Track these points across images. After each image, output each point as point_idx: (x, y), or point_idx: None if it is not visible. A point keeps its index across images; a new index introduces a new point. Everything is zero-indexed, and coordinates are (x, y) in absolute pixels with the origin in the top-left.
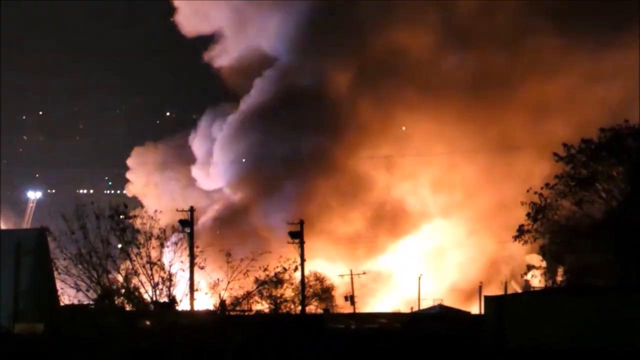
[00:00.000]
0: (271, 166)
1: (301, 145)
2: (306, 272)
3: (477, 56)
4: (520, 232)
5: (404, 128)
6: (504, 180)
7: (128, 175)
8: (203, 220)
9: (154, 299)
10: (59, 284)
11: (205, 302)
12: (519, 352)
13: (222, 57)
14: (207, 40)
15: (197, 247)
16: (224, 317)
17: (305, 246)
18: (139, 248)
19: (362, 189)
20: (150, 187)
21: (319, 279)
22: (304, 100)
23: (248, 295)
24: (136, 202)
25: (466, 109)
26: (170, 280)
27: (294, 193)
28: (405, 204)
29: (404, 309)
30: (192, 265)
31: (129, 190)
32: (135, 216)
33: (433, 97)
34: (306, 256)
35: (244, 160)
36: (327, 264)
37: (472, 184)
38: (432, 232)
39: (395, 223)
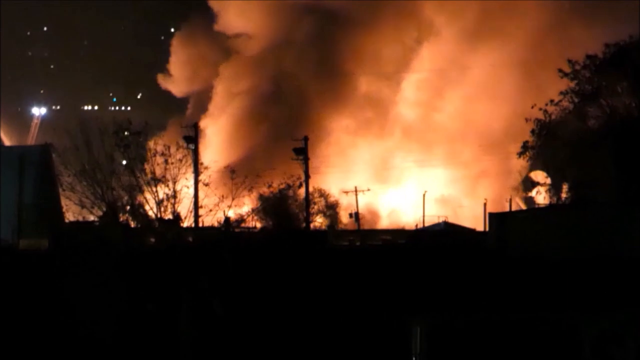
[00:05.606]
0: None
1: None
2: (310, 189)
3: None
4: (525, 149)
5: None
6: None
7: None
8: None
9: (159, 215)
10: (63, 201)
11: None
12: (519, 260)
13: None
14: None
15: (202, 163)
16: (228, 233)
17: (310, 163)
18: (143, 164)
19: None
20: None
21: (323, 195)
22: None
23: (252, 211)
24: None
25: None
26: (174, 197)
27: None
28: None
29: (409, 227)
30: (196, 181)
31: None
32: (139, 132)
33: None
34: (311, 173)
35: None
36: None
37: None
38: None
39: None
